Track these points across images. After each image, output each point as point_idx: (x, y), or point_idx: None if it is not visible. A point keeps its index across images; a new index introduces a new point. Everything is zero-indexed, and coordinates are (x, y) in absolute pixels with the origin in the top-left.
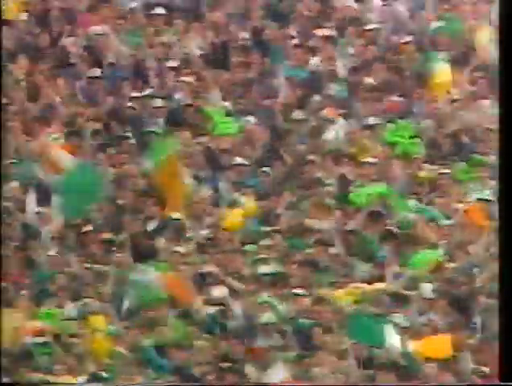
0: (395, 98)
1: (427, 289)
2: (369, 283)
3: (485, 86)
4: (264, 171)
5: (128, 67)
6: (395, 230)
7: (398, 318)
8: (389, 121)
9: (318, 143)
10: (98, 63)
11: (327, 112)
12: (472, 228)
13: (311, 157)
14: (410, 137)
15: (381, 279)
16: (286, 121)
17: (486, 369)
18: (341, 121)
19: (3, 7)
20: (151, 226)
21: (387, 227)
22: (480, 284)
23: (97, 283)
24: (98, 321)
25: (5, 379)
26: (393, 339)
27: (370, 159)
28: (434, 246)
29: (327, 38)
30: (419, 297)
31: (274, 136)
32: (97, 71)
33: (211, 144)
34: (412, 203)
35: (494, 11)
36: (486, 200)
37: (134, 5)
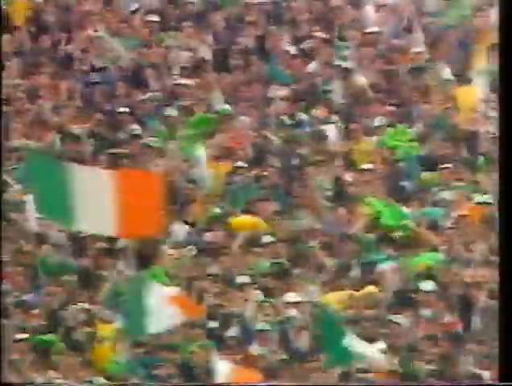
0: (395, 102)
1: (426, 289)
2: (365, 286)
3: (485, 87)
4: (263, 175)
5: (128, 70)
6: (394, 235)
7: (397, 319)
8: (388, 125)
9: (317, 147)
10: (98, 67)
11: (322, 114)
12: (472, 230)
13: (310, 160)
14: (409, 141)
15: (379, 281)
16: (284, 125)
17: (486, 370)
18: (340, 124)
19: (3, 7)
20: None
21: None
22: (480, 284)
23: (99, 288)
24: (106, 329)
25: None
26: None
27: (369, 165)
28: (434, 249)
29: (325, 41)
30: (418, 298)
31: (273, 139)
32: (97, 75)
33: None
34: (410, 209)
35: (494, 12)
36: (486, 203)
37: (135, 8)
